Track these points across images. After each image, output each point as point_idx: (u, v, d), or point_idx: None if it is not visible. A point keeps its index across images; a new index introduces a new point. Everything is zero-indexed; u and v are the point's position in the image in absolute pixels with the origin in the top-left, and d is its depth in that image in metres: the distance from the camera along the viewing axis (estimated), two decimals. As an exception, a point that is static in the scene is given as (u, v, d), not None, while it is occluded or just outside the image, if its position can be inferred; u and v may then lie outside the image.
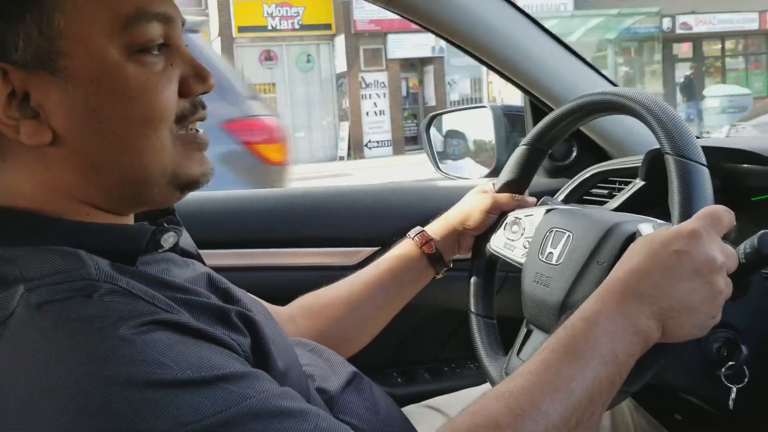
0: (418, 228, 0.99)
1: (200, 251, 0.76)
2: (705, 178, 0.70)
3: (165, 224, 0.68)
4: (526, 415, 0.56)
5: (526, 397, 0.58)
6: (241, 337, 0.58)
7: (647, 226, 0.72)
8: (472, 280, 0.96)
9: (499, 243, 0.93)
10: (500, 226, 0.95)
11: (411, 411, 1.01)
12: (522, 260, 0.87)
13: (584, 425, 0.59)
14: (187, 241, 0.73)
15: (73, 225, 0.58)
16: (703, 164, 0.71)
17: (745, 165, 0.90)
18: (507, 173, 0.98)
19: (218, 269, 0.72)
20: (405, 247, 0.98)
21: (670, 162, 0.71)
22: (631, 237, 0.72)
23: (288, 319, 0.90)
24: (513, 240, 0.91)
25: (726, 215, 0.66)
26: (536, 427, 0.56)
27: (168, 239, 0.63)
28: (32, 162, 0.57)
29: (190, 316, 0.54)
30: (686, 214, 0.68)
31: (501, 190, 0.98)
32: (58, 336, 0.48)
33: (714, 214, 0.66)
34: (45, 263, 0.53)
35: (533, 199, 0.97)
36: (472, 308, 0.95)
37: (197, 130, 0.63)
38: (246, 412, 0.49)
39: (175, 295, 0.56)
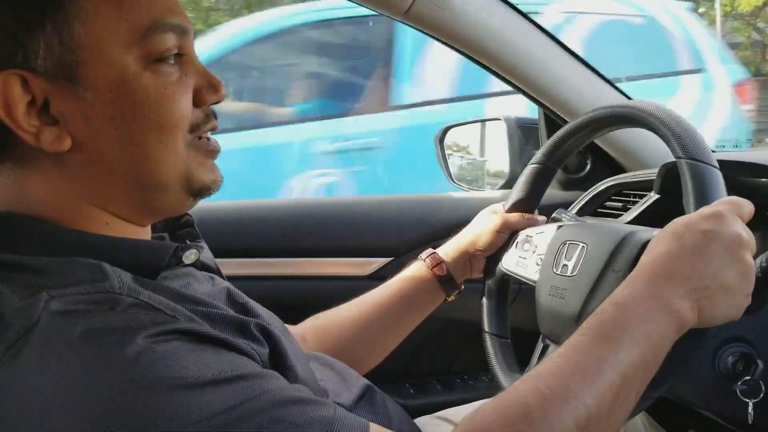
0: (430, 250, 0.99)
1: (215, 260, 0.77)
2: (718, 179, 0.70)
3: (187, 241, 0.69)
4: (555, 395, 0.54)
5: (555, 378, 0.56)
6: (260, 347, 0.59)
7: None
8: (484, 300, 0.96)
9: (510, 262, 0.93)
10: (511, 245, 0.95)
11: (423, 422, 1.01)
12: (535, 277, 0.87)
13: (618, 409, 0.57)
14: (206, 254, 0.74)
15: (97, 238, 0.59)
16: (715, 166, 0.71)
17: (762, 179, 0.90)
18: (517, 192, 0.98)
19: (232, 278, 0.73)
20: (416, 269, 0.98)
21: (683, 165, 0.71)
22: (647, 244, 0.72)
23: (299, 338, 0.90)
24: (525, 258, 0.91)
25: (747, 204, 0.66)
26: (566, 407, 0.54)
27: (190, 256, 0.64)
28: (50, 169, 0.58)
29: (211, 328, 0.55)
30: None
31: (511, 209, 0.97)
32: (81, 344, 0.48)
33: (734, 199, 0.66)
34: (69, 274, 0.53)
35: (543, 218, 0.97)
36: (486, 328, 0.94)
37: (209, 138, 0.65)
38: (266, 400, 0.50)
39: (196, 308, 0.57)
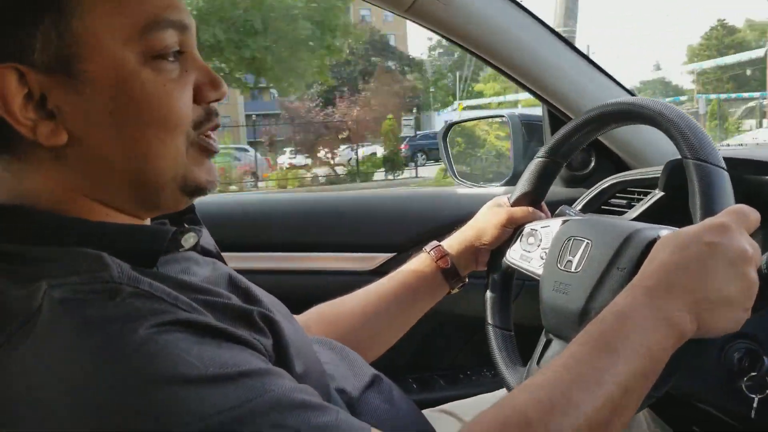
0: (435, 242, 0.99)
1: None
2: (725, 180, 0.70)
3: (186, 224, 0.69)
4: (556, 407, 0.54)
5: (556, 389, 0.56)
6: (263, 337, 0.58)
7: (668, 232, 0.72)
8: (488, 293, 0.96)
9: (515, 255, 0.93)
10: (516, 238, 0.95)
11: (426, 415, 1.01)
12: (539, 271, 0.87)
13: (617, 419, 0.57)
14: (207, 239, 0.73)
15: (94, 226, 0.59)
16: (722, 167, 0.70)
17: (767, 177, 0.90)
18: (522, 185, 0.97)
19: (236, 272, 0.73)
20: (421, 262, 0.98)
21: (690, 166, 0.71)
22: (652, 243, 0.72)
23: (303, 327, 0.90)
24: (529, 252, 0.91)
25: (752, 213, 0.66)
26: (567, 419, 0.54)
27: (188, 239, 0.64)
28: (49, 161, 0.58)
29: (213, 318, 0.54)
30: (708, 216, 0.68)
31: (516, 202, 0.97)
32: (82, 335, 0.48)
33: (741, 210, 0.66)
34: (68, 263, 0.53)
35: (547, 212, 0.97)
36: (489, 320, 0.94)
37: (209, 137, 0.64)
38: (268, 402, 0.50)
39: (197, 297, 0.56)
